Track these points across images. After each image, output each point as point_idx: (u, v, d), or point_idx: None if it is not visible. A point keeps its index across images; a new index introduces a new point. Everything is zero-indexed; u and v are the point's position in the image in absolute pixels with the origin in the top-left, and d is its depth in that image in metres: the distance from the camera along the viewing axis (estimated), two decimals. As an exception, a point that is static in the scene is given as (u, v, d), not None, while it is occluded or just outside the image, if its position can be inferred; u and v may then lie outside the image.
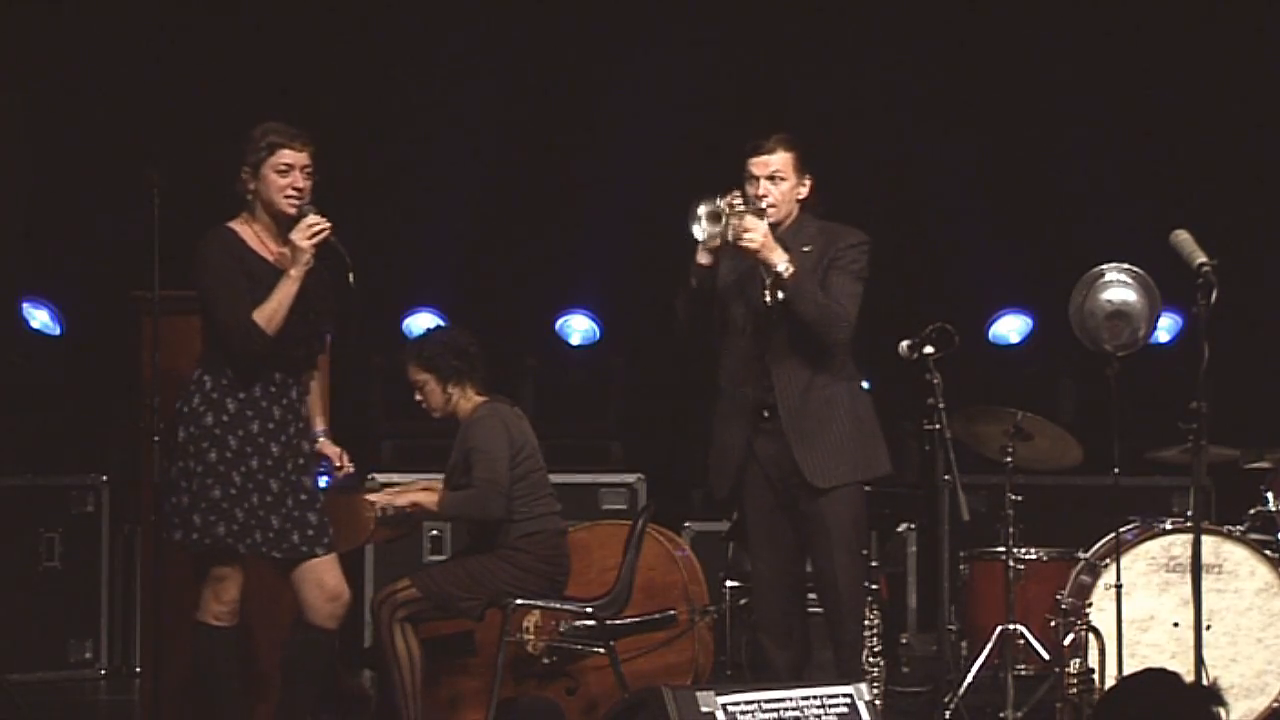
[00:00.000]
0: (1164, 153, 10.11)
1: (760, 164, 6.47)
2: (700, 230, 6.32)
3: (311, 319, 6.16)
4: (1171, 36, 9.95)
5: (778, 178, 6.46)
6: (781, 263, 6.31)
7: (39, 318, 10.09)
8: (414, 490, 7.09)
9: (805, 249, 6.44)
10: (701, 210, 6.31)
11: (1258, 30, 9.81)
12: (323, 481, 6.36)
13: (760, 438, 6.47)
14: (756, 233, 6.31)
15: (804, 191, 6.52)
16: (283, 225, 6.14)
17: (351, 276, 6.09)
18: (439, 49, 10.18)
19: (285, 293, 6.04)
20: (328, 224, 6.07)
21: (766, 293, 6.39)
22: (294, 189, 6.09)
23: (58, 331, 10.12)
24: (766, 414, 6.44)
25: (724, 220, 6.29)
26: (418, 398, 7.15)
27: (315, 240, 6.05)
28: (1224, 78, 9.94)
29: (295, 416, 6.18)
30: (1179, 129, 10.07)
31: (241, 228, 6.16)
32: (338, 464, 6.44)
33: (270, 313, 6.02)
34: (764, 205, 6.41)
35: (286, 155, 6.11)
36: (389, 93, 10.22)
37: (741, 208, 6.36)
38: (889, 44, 10.20)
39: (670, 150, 10.20)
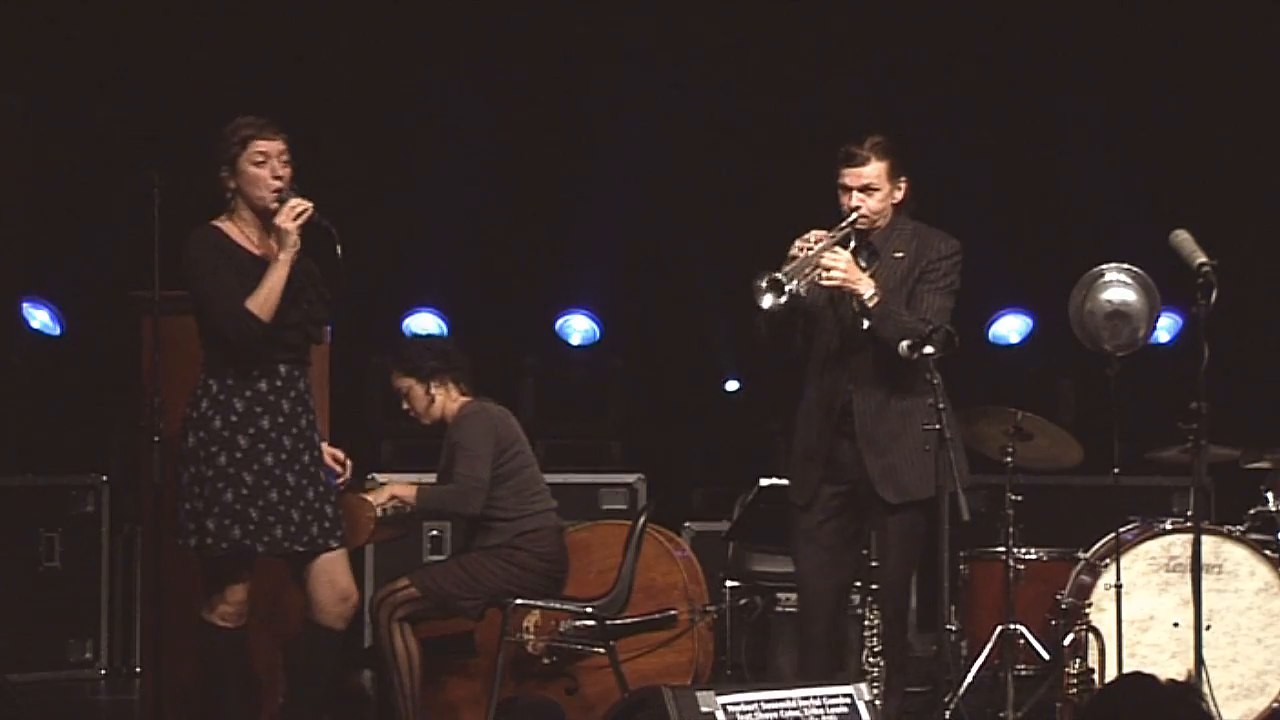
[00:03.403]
0: (1164, 153, 10.11)
1: (853, 175, 6.36)
2: (769, 300, 6.16)
3: (304, 305, 6.15)
4: (1171, 37, 9.95)
5: (871, 189, 6.37)
6: (868, 291, 6.24)
7: (39, 318, 10.09)
8: (394, 485, 7.08)
9: (897, 254, 6.39)
10: (763, 284, 6.14)
11: (1258, 31, 9.81)
12: None
13: (842, 443, 6.42)
14: (838, 268, 6.22)
15: (899, 196, 6.43)
16: (266, 220, 6.13)
17: (340, 249, 6.07)
18: (439, 50, 10.18)
19: (277, 276, 6.02)
20: (309, 204, 6.06)
21: (857, 311, 6.33)
22: (273, 178, 6.08)
23: (58, 331, 10.12)
24: (848, 419, 6.39)
25: (791, 283, 6.16)
26: (405, 407, 7.16)
27: (300, 221, 6.03)
28: (1224, 78, 9.94)
29: (305, 408, 6.17)
30: (1179, 130, 10.07)
31: (225, 224, 6.15)
32: (339, 470, 6.43)
33: (263, 298, 6.00)
34: (857, 217, 6.32)
35: (261, 145, 6.09)
36: (389, 93, 10.21)
37: (818, 246, 6.24)
38: (888, 44, 10.20)
39: (670, 150, 10.21)
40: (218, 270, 6.04)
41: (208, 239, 6.10)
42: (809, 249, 6.23)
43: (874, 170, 6.37)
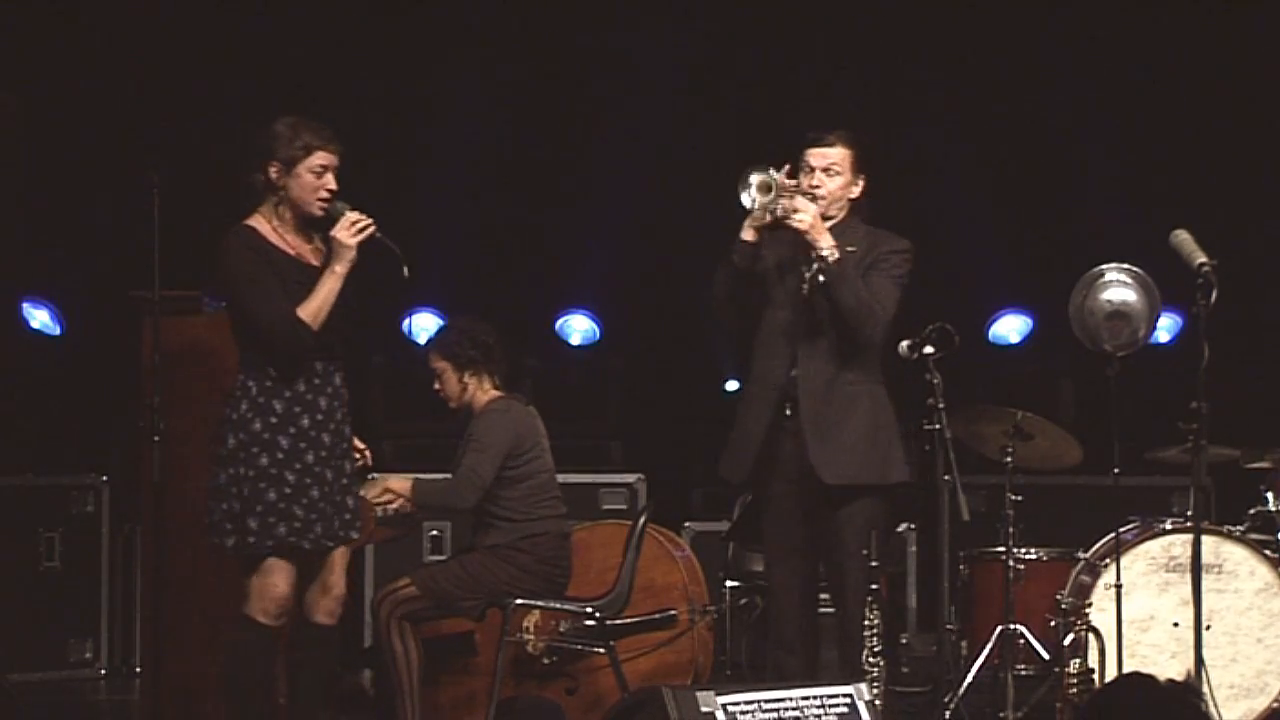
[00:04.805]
0: (1164, 153, 10.11)
1: (818, 155, 6.38)
2: (749, 198, 6.20)
3: (342, 309, 6.12)
4: (1171, 37, 9.95)
5: (833, 171, 6.38)
6: (827, 246, 6.24)
7: (39, 318, 10.09)
8: (389, 479, 7.08)
9: (850, 249, 6.36)
10: (754, 178, 6.20)
11: (1258, 30, 9.81)
12: None
13: (783, 436, 6.40)
14: (807, 214, 6.23)
15: (856, 191, 6.44)
16: (306, 222, 6.08)
17: (406, 270, 6.06)
18: (439, 49, 10.18)
19: (329, 289, 5.99)
20: (371, 220, 6.03)
21: (805, 284, 6.31)
22: (327, 190, 6.05)
23: (58, 331, 10.12)
24: (789, 410, 6.37)
25: (773, 193, 6.21)
26: (436, 387, 7.18)
27: (360, 238, 6.01)
28: (1224, 78, 9.94)
29: (340, 403, 6.14)
30: (1179, 129, 10.07)
31: (261, 224, 6.06)
32: (358, 458, 6.41)
33: (316, 309, 5.97)
34: (815, 196, 6.33)
35: (322, 157, 6.04)
36: (389, 93, 10.21)
37: (793, 186, 6.28)
38: (889, 44, 10.20)
39: (670, 150, 10.21)
40: (260, 276, 5.97)
41: (245, 241, 6.02)
42: (788, 181, 6.24)
43: (839, 153, 6.40)
